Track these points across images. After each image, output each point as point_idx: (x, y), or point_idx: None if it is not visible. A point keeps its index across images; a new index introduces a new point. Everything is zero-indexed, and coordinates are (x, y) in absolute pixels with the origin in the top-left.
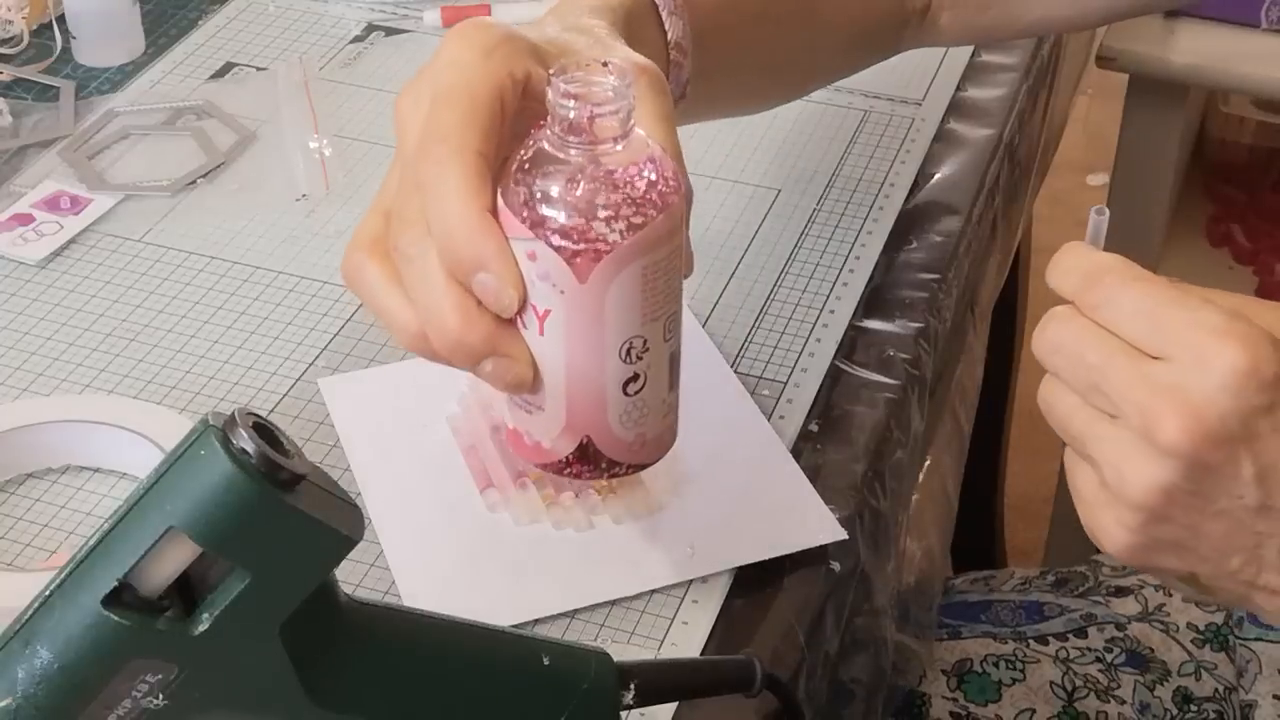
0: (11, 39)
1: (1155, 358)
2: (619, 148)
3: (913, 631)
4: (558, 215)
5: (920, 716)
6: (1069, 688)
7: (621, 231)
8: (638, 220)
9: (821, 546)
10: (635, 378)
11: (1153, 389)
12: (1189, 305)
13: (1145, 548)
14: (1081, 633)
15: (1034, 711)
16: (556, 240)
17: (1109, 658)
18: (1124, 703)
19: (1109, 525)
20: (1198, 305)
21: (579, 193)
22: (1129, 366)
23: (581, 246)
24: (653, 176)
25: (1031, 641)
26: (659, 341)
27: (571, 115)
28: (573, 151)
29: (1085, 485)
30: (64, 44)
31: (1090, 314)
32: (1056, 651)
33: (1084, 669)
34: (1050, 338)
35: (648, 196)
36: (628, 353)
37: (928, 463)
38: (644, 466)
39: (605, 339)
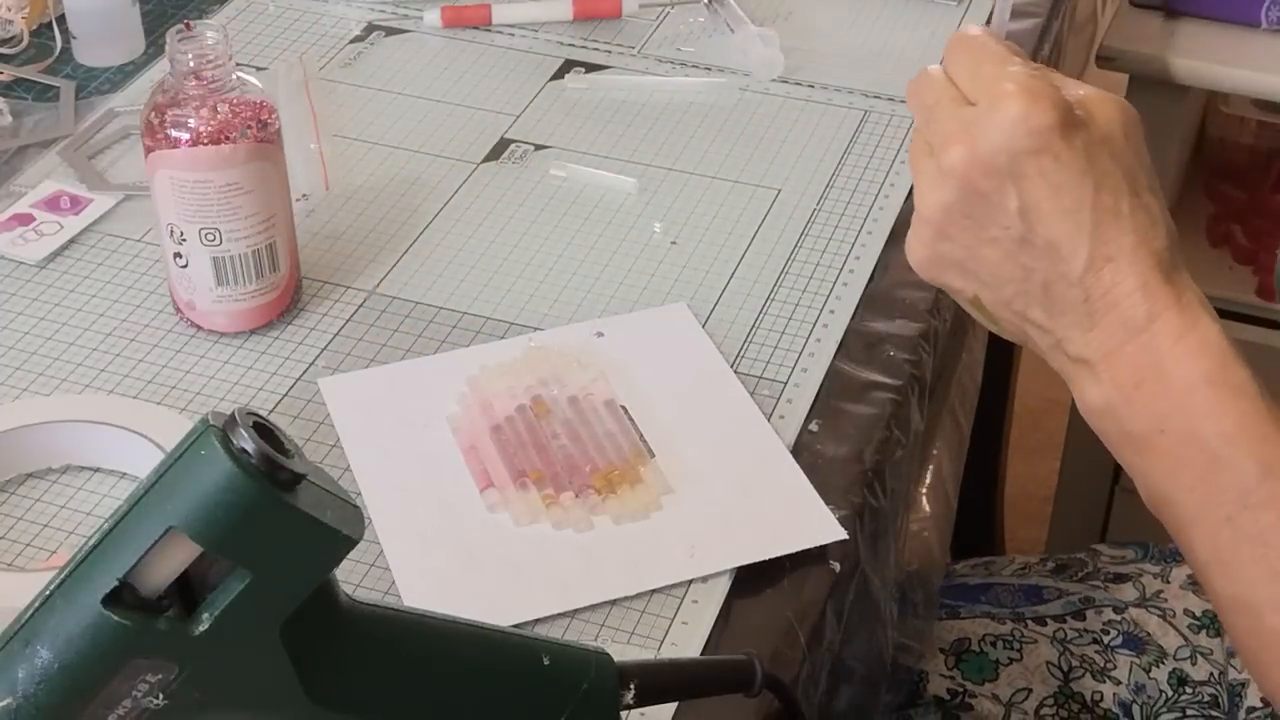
0: (11, 39)
1: (971, 104)
2: None
3: (911, 628)
4: None
5: (918, 694)
6: (1065, 668)
7: None
8: None
9: (821, 546)
10: None
11: (954, 124)
12: (1004, 62)
13: (934, 263)
14: (1079, 615)
15: (1030, 691)
16: None
17: (1106, 640)
18: (1119, 684)
19: (910, 241)
20: (1009, 63)
21: None
22: (949, 107)
23: None
24: None
25: (1029, 622)
26: None
27: None
28: None
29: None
30: (64, 44)
31: (944, 67)
32: (1054, 633)
33: (1081, 650)
34: (913, 81)
35: None
36: None
37: (928, 463)
38: None
39: None
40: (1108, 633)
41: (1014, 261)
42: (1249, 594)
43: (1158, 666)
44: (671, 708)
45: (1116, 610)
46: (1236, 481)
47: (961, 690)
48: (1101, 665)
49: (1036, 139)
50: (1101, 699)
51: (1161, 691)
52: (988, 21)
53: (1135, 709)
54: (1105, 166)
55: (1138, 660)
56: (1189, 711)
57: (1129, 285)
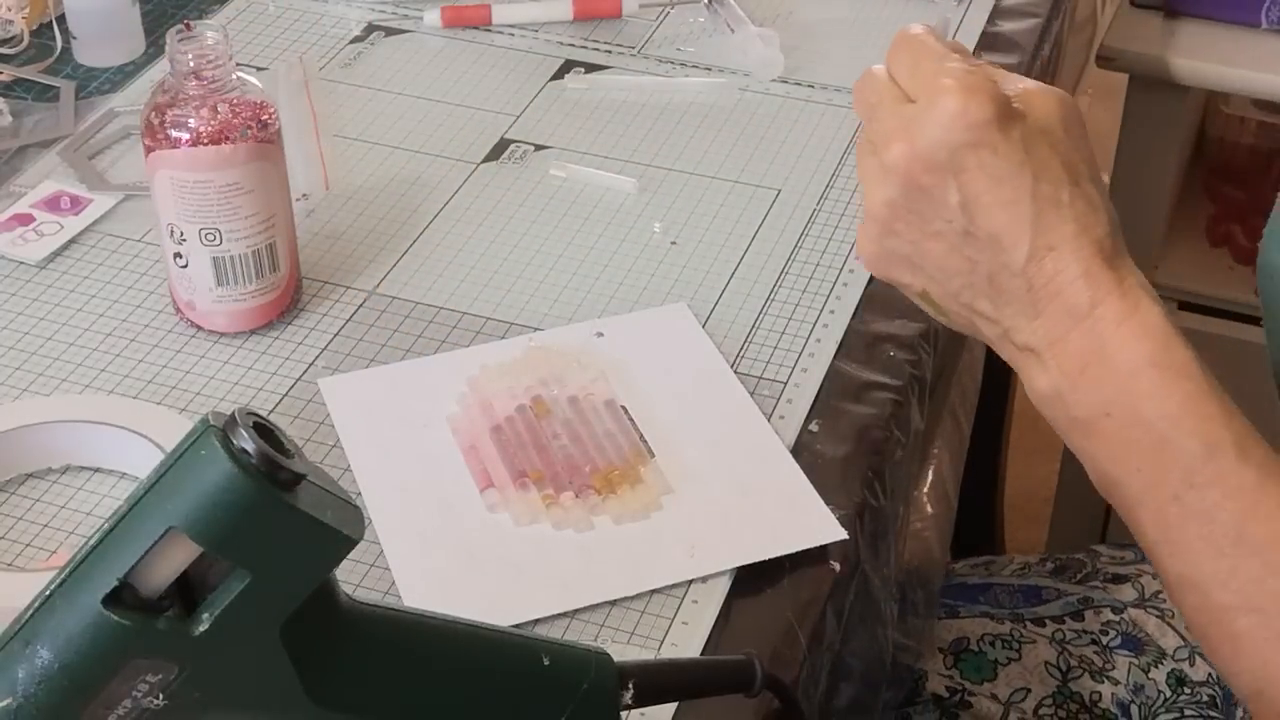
0: (11, 39)
1: (912, 101)
2: None
3: (911, 627)
4: None
5: (916, 693)
6: (1064, 668)
7: None
8: None
9: (821, 546)
10: None
11: (895, 121)
12: (942, 59)
13: (882, 258)
14: (1078, 615)
15: (1029, 690)
16: None
17: (1105, 640)
18: (1118, 684)
19: (859, 238)
20: (947, 60)
21: None
22: (890, 105)
23: None
24: None
25: (1028, 623)
26: None
27: None
28: None
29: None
30: (64, 44)
31: (887, 66)
32: (1053, 633)
33: (1079, 650)
34: (858, 82)
35: None
36: None
37: (928, 462)
38: None
39: None
40: (1106, 633)
41: (958, 254)
42: (1196, 572)
43: (1156, 667)
44: (671, 708)
45: (1115, 611)
46: (1181, 461)
47: (960, 689)
48: (1100, 665)
49: (974, 133)
50: (1100, 699)
51: (1160, 692)
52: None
53: (1134, 709)
54: (1044, 157)
55: (1136, 661)
56: (1187, 712)
57: (1072, 273)
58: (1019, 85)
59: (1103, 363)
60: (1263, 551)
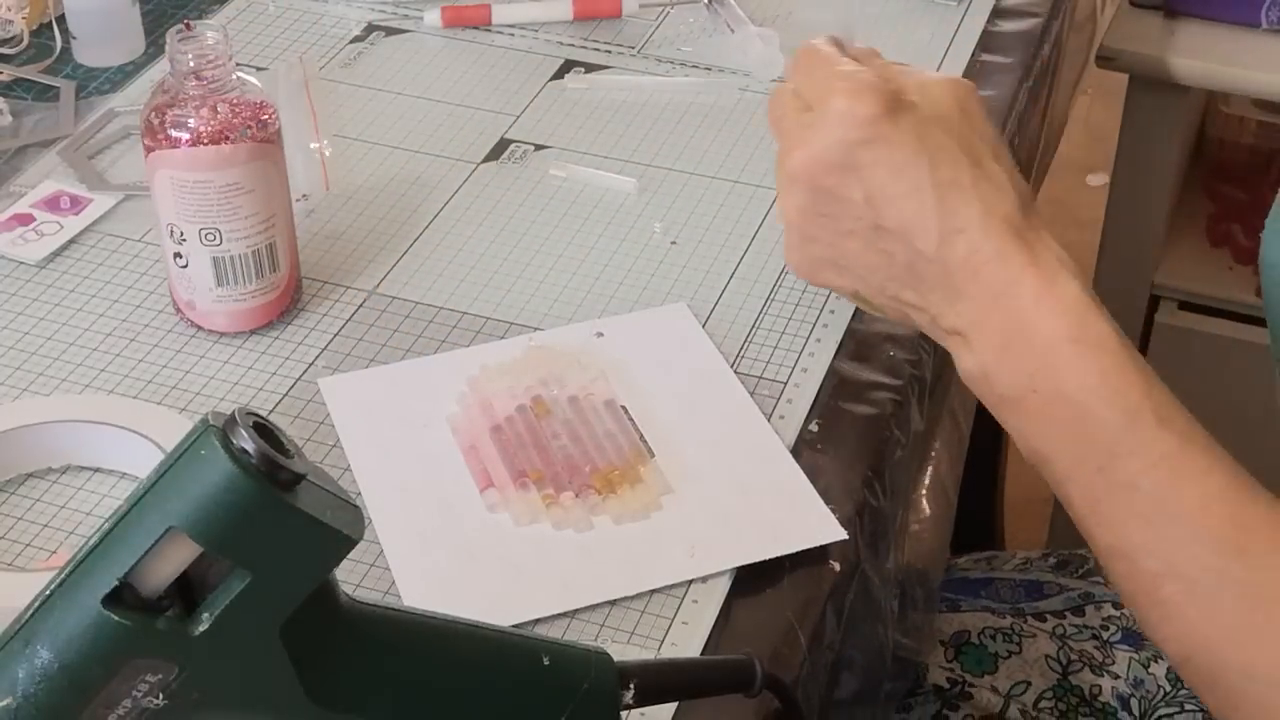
0: (11, 39)
1: (810, 110)
2: None
3: (911, 625)
4: None
5: (917, 684)
6: (1064, 661)
7: None
8: None
9: (821, 546)
10: None
11: (795, 131)
12: (833, 65)
13: (808, 265)
14: (1079, 610)
15: (1029, 684)
16: None
17: (1105, 635)
18: (1118, 678)
19: (785, 249)
20: (838, 64)
21: None
22: (791, 118)
23: None
24: None
25: (1029, 617)
26: None
27: None
28: None
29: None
30: (64, 44)
31: (789, 82)
32: (1054, 628)
33: (1080, 645)
34: (769, 100)
35: None
36: None
37: (928, 462)
38: None
39: None
40: (1107, 628)
41: (874, 249)
42: (1123, 541)
43: (1156, 662)
44: (671, 708)
45: (1116, 606)
46: (1104, 433)
47: (961, 681)
48: (1100, 660)
49: (865, 129)
50: (1100, 693)
51: (1160, 686)
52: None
53: (1133, 703)
54: (939, 142)
55: (1136, 655)
56: (1187, 706)
57: (985, 253)
58: (913, 78)
59: (1024, 339)
60: (1185, 518)
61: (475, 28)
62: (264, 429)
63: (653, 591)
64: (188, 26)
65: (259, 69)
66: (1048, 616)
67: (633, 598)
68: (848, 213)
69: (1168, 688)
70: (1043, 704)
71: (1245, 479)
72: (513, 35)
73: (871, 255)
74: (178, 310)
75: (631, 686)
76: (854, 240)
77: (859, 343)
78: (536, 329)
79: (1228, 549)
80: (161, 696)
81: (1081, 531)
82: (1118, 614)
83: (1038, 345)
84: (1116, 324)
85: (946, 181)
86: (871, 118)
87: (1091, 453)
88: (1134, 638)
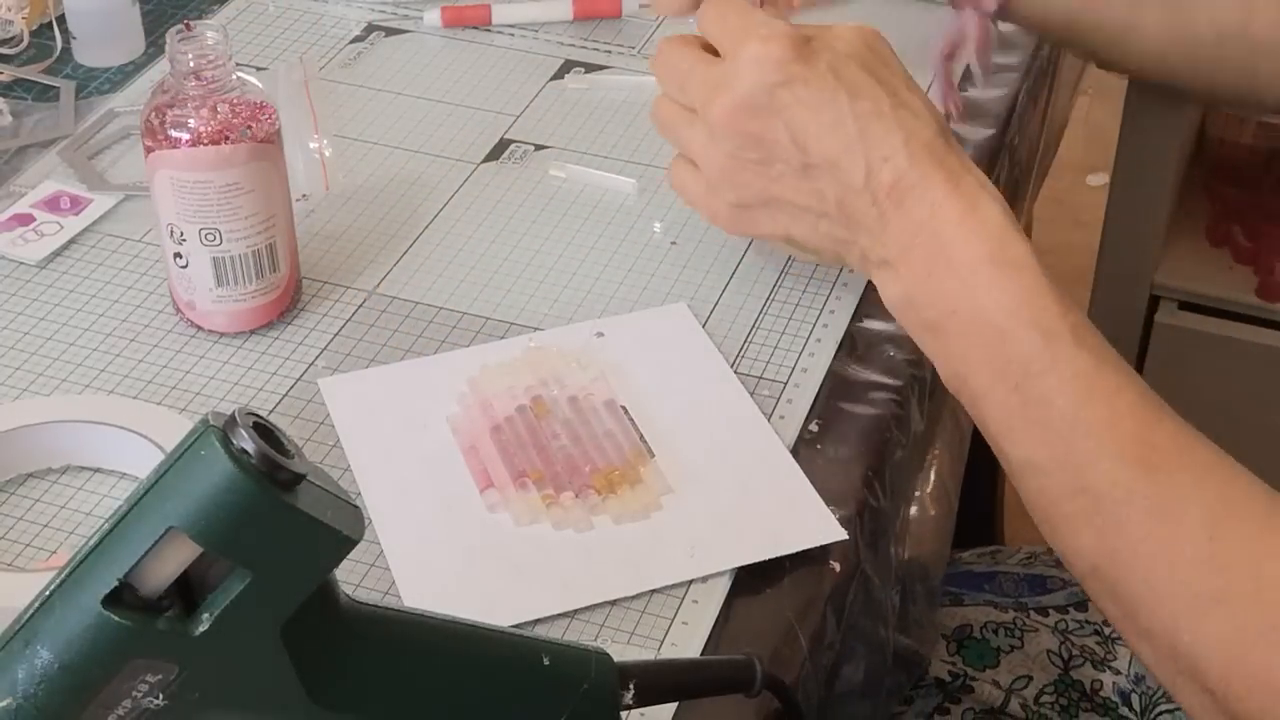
0: (11, 39)
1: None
2: None
3: (911, 624)
4: None
5: (919, 677)
6: (1066, 656)
7: None
8: None
9: (821, 546)
10: None
11: (709, 81)
12: (746, 14)
13: (738, 216)
14: (1082, 606)
15: (1030, 678)
16: None
17: (1107, 630)
18: (1119, 673)
19: (709, 204)
20: (751, 13)
21: None
22: (703, 66)
23: None
24: None
25: (1032, 612)
26: None
27: None
28: None
29: (691, 182)
30: (64, 44)
31: (699, 28)
32: (1056, 623)
33: (1082, 640)
34: (659, 54)
35: None
36: None
37: (928, 462)
38: None
39: None
40: (1109, 624)
41: (805, 188)
42: (1035, 455)
43: None
44: (671, 708)
45: None
46: (1021, 351)
47: (962, 674)
48: (1102, 655)
49: (782, 70)
50: (1101, 688)
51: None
52: None
53: (1134, 698)
54: (855, 77)
55: None
56: None
57: (909, 179)
58: (820, 27)
59: (945, 263)
60: (1096, 433)
61: (475, 28)
62: (264, 429)
63: (653, 591)
64: (188, 26)
65: (259, 69)
66: (1050, 611)
67: (633, 598)
68: (776, 156)
69: None
70: (1044, 699)
71: (1154, 400)
72: (513, 35)
73: (803, 195)
74: (178, 310)
75: (631, 686)
76: (783, 183)
77: (859, 343)
78: (536, 329)
79: (1136, 465)
80: (161, 696)
81: (995, 449)
82: None
83: (958, 267)
84: (1032, 246)
85: (867, 113)
86: (786, 59)
87: (1009, 372)
88: None
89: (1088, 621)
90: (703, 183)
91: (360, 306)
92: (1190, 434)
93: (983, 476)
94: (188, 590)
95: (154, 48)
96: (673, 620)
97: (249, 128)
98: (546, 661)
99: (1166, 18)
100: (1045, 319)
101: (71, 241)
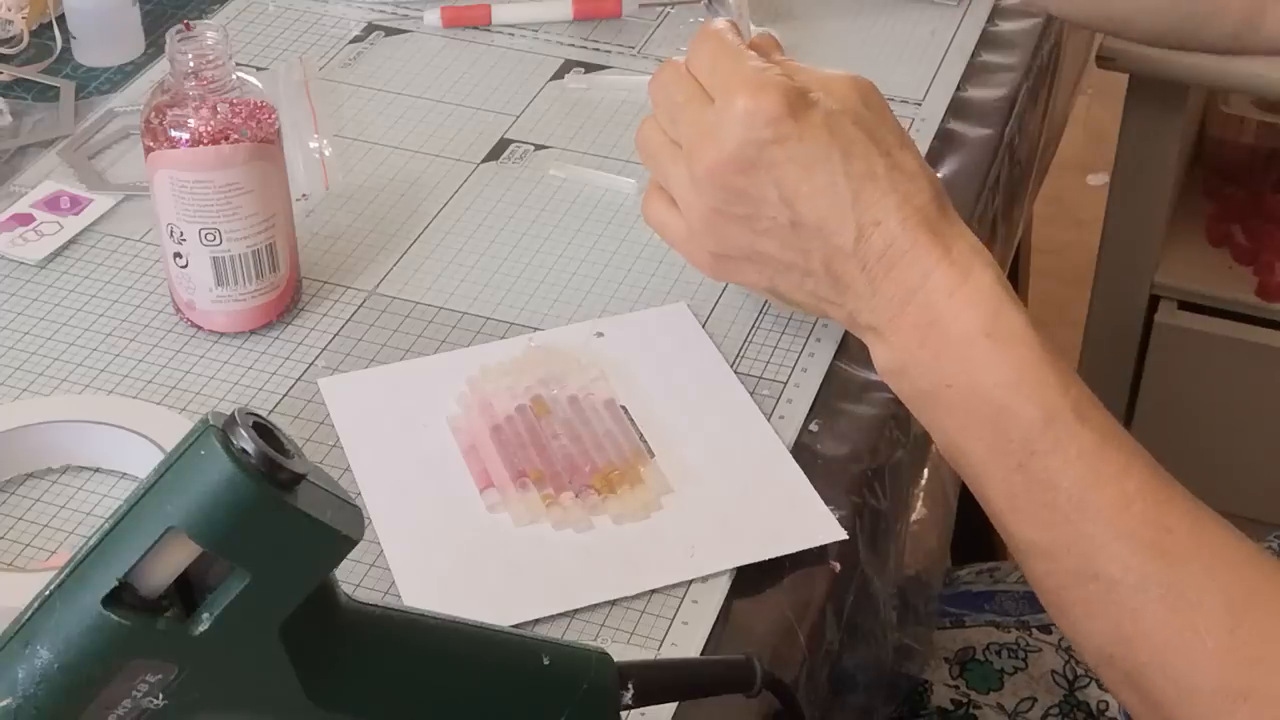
0: (11, 39)
1: (711, 101)
2: None
3: (912, 628)
4: None
5: (921, 704)
6: (1070, 677)
7: None
8: None
9: (821, 546)
10: None
11: (699, 127)
12: (739, 59)
13: (720, 265)
14: None
15: (1035, 700)
16: None
17: None
18: None
19: (691, 250)
20: (745, 60)
21: None
22: (694, 110)
23: None
24: None
25: (1035, 630)
26: None
27: None
28: None
29: (672, 224)
30: (64, 44)
31: (687, 61)
32: (1059, 641)
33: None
34: (658, 77)
35: None
36: None
37: (928, 463)
38: None
39: None
40: None
41: (791, 247)
42: (1043, 538)
43: None
44: (671, 708)
45: None
46: (1021, 429)
47: (966, 700)
48: None
49: (773, 127)
50: (1107, 708)
51: None
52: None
53: None
54: (849, 135)
55: None
56: None
57: (901, 245)
58: (813, 75)
59: (939, 334)
60: (1106, 518)
61: (475, 28)
62: (264, 429)
63: (653, 591)
64: (187, 26)
65: (259, 69)
66: (1053, 629)
67: (633, 598)
68: (763, 212)
69: None
70: None
71: (1164, 477)
72: (512, 35)
73: (789, 253)
74: (178, 310)
75: (631, 686)
76: (770, 239)
77: (859, 343)
78: (536, 329)
79: (1149, 550)
80: (161, 696)
81: (998, 528)
82: None
83: (953, 340)
84: (1029, 315)
85: (860, 174)
86: (778, 116)
87: (1009, 450)
88: None
89: None
90: (684, 228)
91: (360, 306)
92: (1204, 513)
93: None
94: (187, 590)
95: (154, 48)
96: (673, 620)
97: (249, 128)
98: (546, 661)
99: None
100: (1046, 395)
101: (71, 241)
